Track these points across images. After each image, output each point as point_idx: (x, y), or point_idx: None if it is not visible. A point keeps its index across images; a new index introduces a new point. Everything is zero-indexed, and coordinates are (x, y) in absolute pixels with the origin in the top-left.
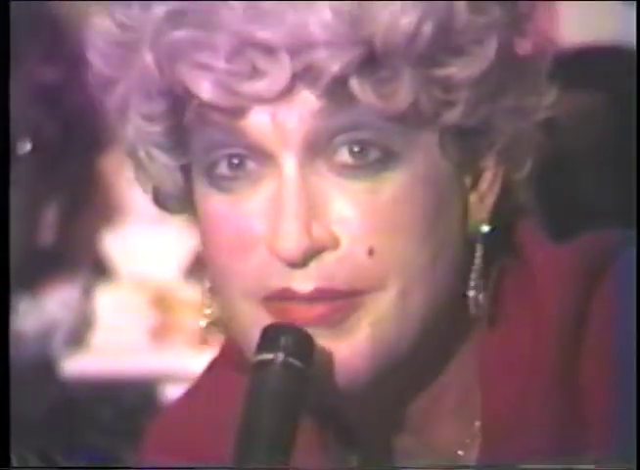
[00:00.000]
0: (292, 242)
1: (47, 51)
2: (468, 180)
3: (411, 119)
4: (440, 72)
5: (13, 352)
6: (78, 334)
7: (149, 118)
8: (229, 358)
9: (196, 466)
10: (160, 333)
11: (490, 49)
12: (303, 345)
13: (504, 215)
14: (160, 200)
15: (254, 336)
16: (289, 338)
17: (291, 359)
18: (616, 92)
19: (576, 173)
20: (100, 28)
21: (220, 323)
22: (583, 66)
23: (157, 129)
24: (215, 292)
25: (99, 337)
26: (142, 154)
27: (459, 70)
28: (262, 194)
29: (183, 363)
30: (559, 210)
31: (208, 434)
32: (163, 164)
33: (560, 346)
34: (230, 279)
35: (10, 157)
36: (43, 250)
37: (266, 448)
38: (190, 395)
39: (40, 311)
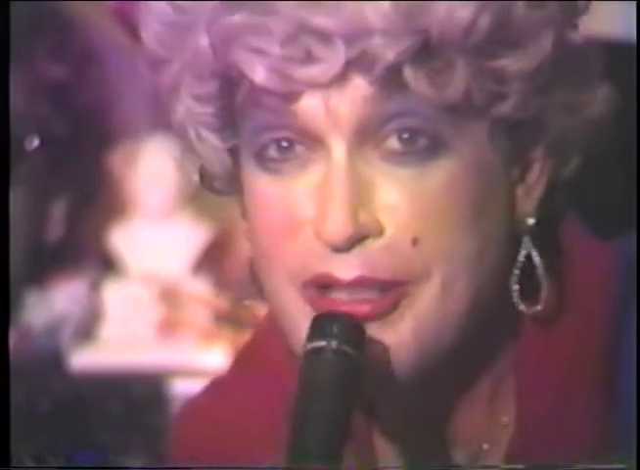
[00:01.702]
0: (338, 227)
1: (56, 48)
2: (516, 173)
3: (462, 110)
4: (494, 64)
5: (21, 345)
6: (87, 328)
7: (200, 99)
8: (264, 348)
9: (195, 466)
10: (168, 327)
11: (546, 43)
12: (356, 333)
13: (550, 210)
14: (206, 181)
15: (293, 321)
16: (341, 326)
17: (344, 347)
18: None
19: (616, 171)
20: (156, 10)
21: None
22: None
23: (207, 110)
24: (258, 274)
25: (107, 331)
26: (192, 134)
27: (513, 63)
28: (310, 178)
29: (191, 358)
30: (601, 207)
31: (240, 427)
32: (212, 145)
33: (602, 345)
34: (274, 261)
35: (10, 155)
36: (51, 245)
37: (321, 437)
38: (220, 386)
39: (48, 306)
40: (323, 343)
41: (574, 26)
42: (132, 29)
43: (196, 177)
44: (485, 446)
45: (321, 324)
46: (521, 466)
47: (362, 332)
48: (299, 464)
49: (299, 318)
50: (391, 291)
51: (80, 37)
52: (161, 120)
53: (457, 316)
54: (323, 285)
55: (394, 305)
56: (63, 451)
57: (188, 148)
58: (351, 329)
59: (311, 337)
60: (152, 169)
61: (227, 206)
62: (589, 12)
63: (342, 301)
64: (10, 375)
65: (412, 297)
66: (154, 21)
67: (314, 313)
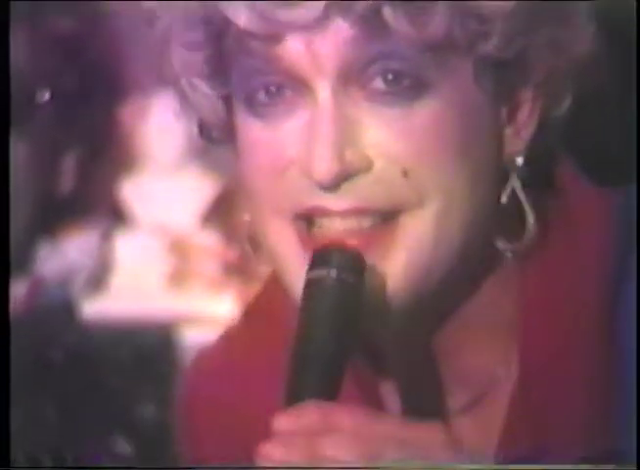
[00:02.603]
0: (325, 165)
1: (66, 2)
2: (504, 112)
3: (445, 50)
4: (474, 3)
5: (34, 296)
6: (98, 278)
7: (190, 47)
8: (273, 300)
9: (196, 467)
10: (177, 278)
11: None
12: (356, 262)
13: (541, 151)
14: (205, 132)
15: (285, 261)
16: (341, 255)
17: (343, 276)
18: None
19: (615, 115)
20: None
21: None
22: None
23: (198, 58)
24: (251, 215)
25: (118, 281)
26: (185, 85)
27: (492, 1)
28: (298, 120)
29: (200, 307)
30: (599, 151)
31: (250, 377)
32: (205, 93)
33: (599, 287)
34: (263, 199)
35: (10, 114)
36: (63, 197)
37: (321, 364)
38: (230, 337)
39: (61, 257)
40: (323, 272)
41: None
42: None
43: (195, 129)
44: (486, 391)
45: (321, 254)
46: (525, 466)
47: (361, 261)
48: (297, 400)
49: (291, 257)
50: (385, 223)
51: None
52: (158, 74)
53: (449, 247)
54: (314, 217)
55: (388, 238)
56: (76, 396)
57: (183, 99)
58: (350, 258)
59: (312, 266)
60: (161, 123)
61: (235, 160)
62: None
63: (336, 232)
64: (10, 374)
65: (405, 229)
66: None
67: (304, 251)
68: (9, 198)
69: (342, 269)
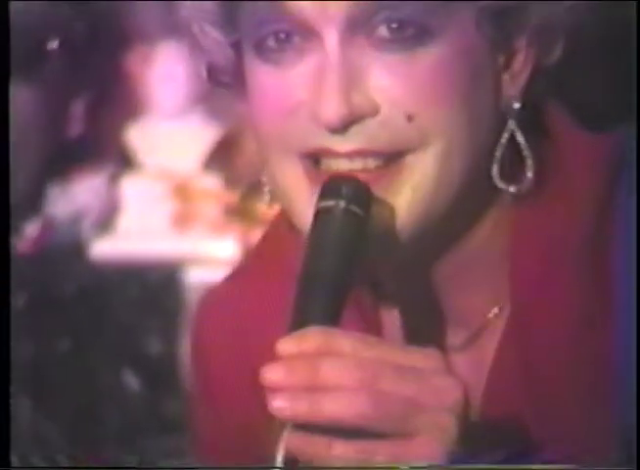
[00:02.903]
0: (332, 108)
1: None
2: (501, 59)
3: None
4: None
5: (46, 236)
6: (106, 219)
7: None
8: (279, 239)
9: (195, 467)
10: (182, 220)
11: None
12: (363, 194)
13: (535, 96)
14: (213, 76)
15: (295, 193)
16: (350, 187)
17: (351, 206)
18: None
19: (606, 63)
20: None
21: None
22: None
23: (209, 6)
24: (260, 155)
25: (125, 222)
26: (196, 30)
27: None
28: (307, 65)
29: (202, 247)
30: (590, 98)
31: (261, 308)
32: (215, 39)
33: (590, 230)
34: (272, 140)
35: (9, 60)
36: (72, 141)
37: (325, 291)
38: (240, 273)
39: (70, 198)
40: (332, 202)
41: None
42: None
43: (204, 73)
44: (490, 314)
45: (331, 185)
46: (522, 465)
47: (369, 194)
48: (301, 325)
49: (299, 192)
50: (390, 163)
51: None
52: (170, 20)
53: (451, 186)
54: (321, 157)
55: (394, 177)
56: (86, 331)
57: (194, 44)
58: (359, 190)
59: (321, 197)
60: (166, 71)
61: (237, 106)
62: None
63: (343, 170)
64: (10, 378)
65: (409, 168)
66: None
67: (312, 186)
68: (8, 142)
69: (350, 201)
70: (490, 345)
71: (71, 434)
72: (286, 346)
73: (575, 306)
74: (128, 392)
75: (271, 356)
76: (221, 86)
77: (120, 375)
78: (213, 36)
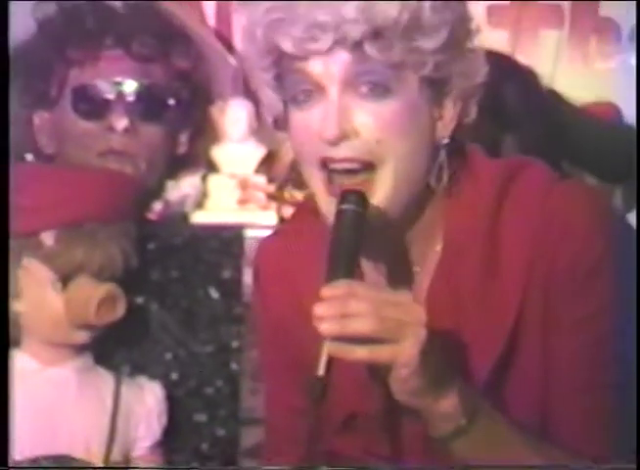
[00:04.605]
0: (332, 131)
1: None
2: (436, 112)
3: (400, 71)
4: (414, 43)
5: (165, 211)
6: (199, 202)
7: (264, 69)
8: (307, 209)
9: (195, 467)
10: (242, 202)
11: (443, 34)
12: (364, 200)
13: (459, 137)
14: (275, 122)
15: (319, 197)
16: (355, 196)
17: (357, 208)
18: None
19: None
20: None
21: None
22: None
23: (267, 76)
24: (297, 165)
25: (211, 203)
26: (261, 94)
27: (425, 43)
28: (318, 108)
29: (255, 218)
30: (489, 142)
31: (301, 261)
32: (272, 97)
33: (486, 209)
34: (303, 155)
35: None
36: (181, 156)
37: (345, 258)
38: (283, 233)
39: (179, 189)
40: (345, 206)
41: (468, 32)
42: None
43: (270, 120)
44: (417, 268)
45: (344, 195)
46: (525, 466)
47: (366, 199)
48: (332, 279)
49: (321, 197)
50: (369, 174)
51: None
52: (242, 89)
53: (402, 191)
54: (327, 162)
55: (373, 185)
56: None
57: (260, 102)
58: (361, 198)
59: (340, 203)
60: (236, 115)
61: (276, 134)
62: (478, 30)
63: (342, 177)
64: (9, 380)
65: (380, 179)
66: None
67: (328, 195)
68: (8, 141)
69: (356, 205)
70: (426, 277)
71: None
72: (326, 292)
73: (483, 254)
74: (213, 302)
75: (309, 288)
76: (277, 128)
77: (207, 290)
78: (271, 95)
